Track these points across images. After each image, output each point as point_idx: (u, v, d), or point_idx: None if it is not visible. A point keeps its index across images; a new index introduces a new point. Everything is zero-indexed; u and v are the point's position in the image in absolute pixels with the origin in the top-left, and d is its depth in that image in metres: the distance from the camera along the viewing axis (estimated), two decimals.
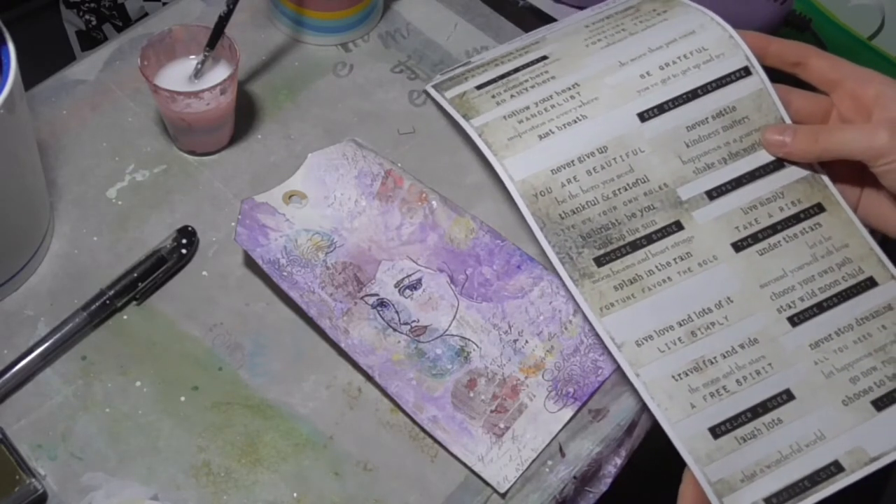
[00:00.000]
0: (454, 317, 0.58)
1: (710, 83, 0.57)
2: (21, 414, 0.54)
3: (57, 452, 0.53)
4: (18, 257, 0.57)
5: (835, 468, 0.50)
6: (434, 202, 0.61)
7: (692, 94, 0.56)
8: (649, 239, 0.54)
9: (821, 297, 0.54)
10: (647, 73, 0.56)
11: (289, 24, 0.71)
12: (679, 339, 0.52)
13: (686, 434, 0.50)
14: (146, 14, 0.92)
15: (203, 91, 0.58)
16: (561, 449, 0.55)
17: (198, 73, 0.62)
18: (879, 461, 0.50)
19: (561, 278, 0.52)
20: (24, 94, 0.51)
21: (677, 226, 0.54)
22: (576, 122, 0.55)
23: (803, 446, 0.50)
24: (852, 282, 0.54)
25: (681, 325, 0.52)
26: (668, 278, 0.53)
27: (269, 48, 0.71)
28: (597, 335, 0.57)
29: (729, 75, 0.57)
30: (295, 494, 0.53)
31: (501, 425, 0.55)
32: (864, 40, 0.85)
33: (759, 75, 0.57)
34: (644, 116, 0.55)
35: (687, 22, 0.58)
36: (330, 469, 0.54)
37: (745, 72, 0.57)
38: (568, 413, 0.55)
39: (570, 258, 0.53)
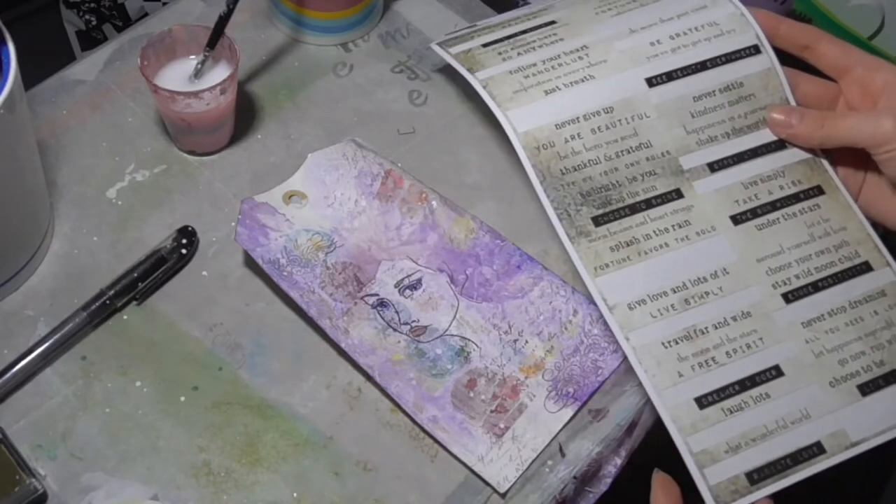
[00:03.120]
0: (454, 317, 0.58)
1: (719, 57, 0.57)
2: (21, 414, 0.54)
3: (57, 452, 0.53)
4: (18, 257, 0.57)
5: (817, 449, 0.50)
6: (434, 202, 0.61)
7: (701, 66, 0.56)
8: (649, 203, 0.53)
9: (816, 276, 0.54)
10: (658, 42, 0.56)
11: (289, 24, 0.71)
12: (672, 305, 0.51)
13: (671, 402, 0.50)
14: (146, 14, 0.92)
15: (203, 91, 0.58)
16: (561, 449, 0.55)
17: (198, 73, 0.62)
18: (859, 446, 0.50)
19: (557, 236, 0.51)
20: (24, 94, 0.51)
21: (677, 193, 0.54)
22: (583, 81, 0.54)
23: (789, 423, 0.50)
24: (848, 264, 0.54)
25: (675, 291, 0.52)
26: (666, 244, 0.53)
27: (269, 48, 0.71)
28: (596, 334, 0.57)
29: (738, 51, 0.57)
30: (295, 494, 0.53)
31: (501, 425, 0.55)
32: (864, 40, 0.85)
33: (769, 54, 0.57)
34: (652, 82, 0.55)
35: None
36: (330, 469, 0.54)
37: (755, 49, 0.57)
38: (568, 413, 0.55)
39: (568, 215, 0.52)
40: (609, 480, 0.57)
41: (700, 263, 0.53)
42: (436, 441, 0.55)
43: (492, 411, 0.55)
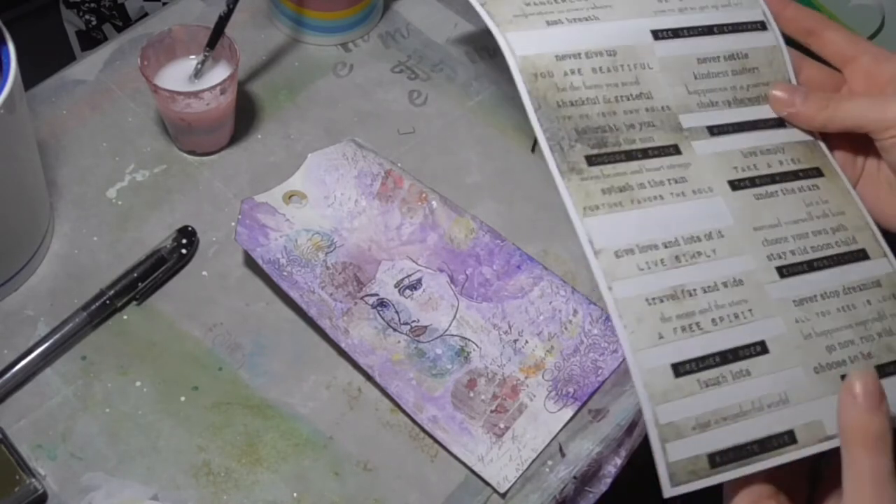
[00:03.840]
0: (454, 317, 0.58)
1: (725, 25, 0.56)
2: (21, 414, 0.54)
3: (57, 452, 0.53)
4: (18, 257, 0.57)
5: (788, 438, 0.48)
6: (434, 202, 0.61)
7: (707, 30, 0.56)
8: (645, 153, 0.52)
9: (812, 255, 0.52)
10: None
11: (289, 24, 0.71)
12: (662, 260, 0.50)
13: (646, 365, 0.47)
14: (146, 14, 0.92)
15: (203, 91, 0.58)
16: (561, 449, 0.55)
17: (198, 73, 0.62)
18: (833, 441, 0.48)
19: (549, 169, 0.50)
20: (24, 94, 0.51)
21: (675, 149, 0.53)
22: (587, 20, 0.53)
23: (765, 406, 0.48)
24: (844, 248, 0.53)
25: (666, 246, 0.50)
26: (660, 196, 0.51)
27: (269, 48, 0.71)
28: (596, 334, 0.57)
29: (745, 24, 0.56)
30: (295, 494, 0.53)
31: (501, 425, 0.55)
32: None
33: (775, 32, 0.57)
34: (658, 35, 0.55)
35: None
36: (330, 469, 0.54)
37: (762, 26, 0.57)
38: (568, 413, 0.55)
39: (561, 148, 0.51)
40: (609, 480, 0.57)
41: (695, 221, 0.51)
42: (436, 441, 0.55)
43: (492, 411, 0.55)
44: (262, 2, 0.72)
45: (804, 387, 0.49)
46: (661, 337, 0.49)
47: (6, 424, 0.53)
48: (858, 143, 0.55)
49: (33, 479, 0.50)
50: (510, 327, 0.58)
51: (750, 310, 0.50)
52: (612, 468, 0.57)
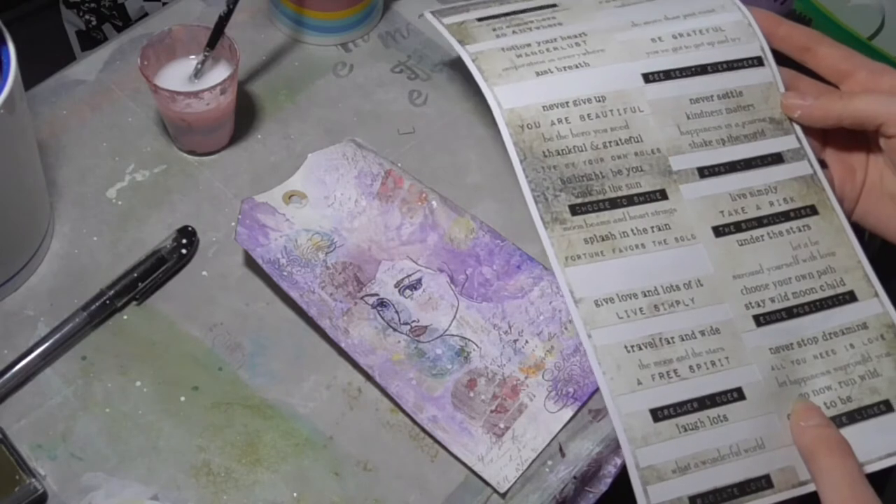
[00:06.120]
0: (454, 317, 0.58)
1: (720, 63, 0.55)
2: (21, 414, 0.54)
3: (57, 452, 0.53)
4: (18, 257, 0.57)
5: (765, 482, 0.48)
6: (434, 202, 0.61)
7: (701, 69, 0.55)
8: (630, 200, 0.52)
9: (793, 301, 0.52)
10: (659, 38, 0.54)
11: (289, 24, 0.71)
12: (640, 309, 0.50)
13: (626, 410, 0.48)
14: (146, 14, 0.92)
15: (203, 91, 0.58)
16: (561, 449, 0.55)
17: (198, 73, 0.62)
18: (807, 486, 0.48)
19: (532, 220, 0.50)
20: (24, 94, 0.51)
21: (662, 195, 0.52)
22: (577, 67, 0.53)
23: (742, 451, 0.49)
24: (830, 293, 0.52)
25: (645, 295, 0.50)
26: (642, 245, 0.51)
27: (269, 48, 0.71)
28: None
29: (741, 60, 0.56)
30: (295, 494, 0.53)
31: (501, 425, 0.55)
32: (864, 40, 0.85)
33: (772, 68, 0.56)
34: (649, 78, 0.54)
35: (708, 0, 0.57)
36: (330, 469, 0.54)
37: (758, 62, 0.56)
38: (568, 413, 0.55)
39: (545, 199, 0.51)
40: (609, 480, 0.57)
41: (675, 270, 0.51)
42: (436, 441, 0.55)
43: (492, 411, 0.55)
44: (262, 2, 0.72)
45: (779, 433, 0.49)
46: (639, 383, 0.49)
47: (6, 424, 0.53)
48: (860, 154, 0.55)
49: (33, 479, 0.50)
50: (510, 327, 0.58)
51: (727, 357, 0.50)
52: (612, 468, 0.57)
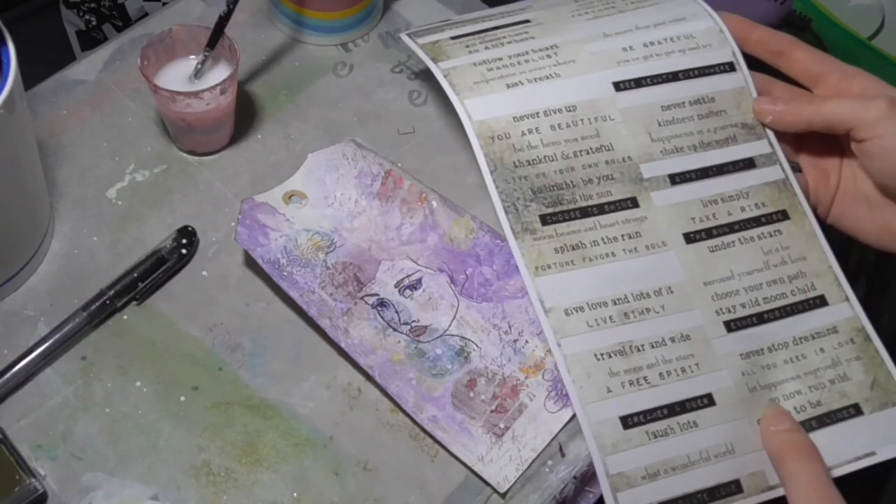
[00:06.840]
0: (454, 317, 0.58)
1: (692, 69, 0.55)
2: (21, 414, 0.54)
3: (57, 452, 0.53)
4: (18, 257, 0.57)
5: (735, 487, 0.48)
6: (434, 202, 0.61)
7: (672, 76, 0.55)
8: (601, 209, 0.52)
9: (763, 307, 0.52)
10: (630, 48, 0.55)
11: (289, 24, 0.71)
12: (610, 317, 0.50)
13: (595, 418, 0.48)
14: (146, 14, 0.92)
15: (203, 91, 0.58)
16: (561, 449, 0.55)
17: (198, 73, 0.62)
18: (776, 490, 0.49)
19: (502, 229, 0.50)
20: (24, 94, 0.51)
21: (632, 202, 0.52)
22: (548, 78, 0.53)
23: (712, 456, 0.49)
24: (800, 297, 0.52)
25: (615, 303, 0.50)
26: (612, 253, 0.51)
27: (269, 48, 0.71)
28: None
29: (713, 66, 0.56)
30: (295, 494, 0.53)
31: (501, 425, 0.55)
32: (864, 40, 0.85)
33: (743, 73, 0.56)
34: (620, 86, 0.54)
35: (678, 8, 0.57)
36: (330, 469, 0.54)
37: (730, 67, 0.56)
38: (568, 413, 0.55)
39: (516, 209, 0.51)
40: None
41: (645, 278, 0.51)
42: (436, 441, 0.55)
43: (492, 411, 0.55)
44: (262, 2, 0.72)
45: (749, 438, 0.49)
46: (609, 391, 0.49)
47: (6, 424, 0.53)
48: (834, 156, 0.55)
49: (33, 479, 0.50)
50: (510, 327, 0.58)
51: (697, 364, 0.50)
52: None
